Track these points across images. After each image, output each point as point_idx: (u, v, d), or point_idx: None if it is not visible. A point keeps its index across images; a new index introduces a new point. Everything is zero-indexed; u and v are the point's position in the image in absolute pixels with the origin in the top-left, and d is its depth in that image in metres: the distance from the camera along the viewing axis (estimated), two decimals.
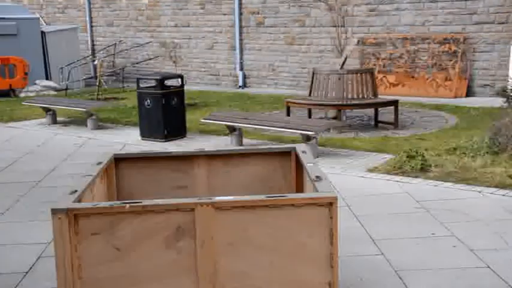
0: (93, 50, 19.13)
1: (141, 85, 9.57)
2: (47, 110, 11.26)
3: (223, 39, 16.35)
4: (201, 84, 16.64)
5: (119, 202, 3.17)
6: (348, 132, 9.49)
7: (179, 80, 9.69)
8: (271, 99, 13.37)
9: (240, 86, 15.95)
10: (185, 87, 9.96)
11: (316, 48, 14.67)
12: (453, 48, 12.72)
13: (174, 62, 14.32)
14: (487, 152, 7.21)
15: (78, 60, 17.02)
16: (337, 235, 3.13)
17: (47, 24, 19.37)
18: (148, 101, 9.36)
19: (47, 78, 16.47)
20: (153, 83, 9.45)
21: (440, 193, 6.15)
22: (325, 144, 8.54)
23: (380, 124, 9.98)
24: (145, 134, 9.48)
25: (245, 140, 8.81)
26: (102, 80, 14.81)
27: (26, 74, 15.39)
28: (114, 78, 17.24)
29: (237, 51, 16.01)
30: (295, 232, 3.12)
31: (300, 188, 4.12)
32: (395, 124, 9.67)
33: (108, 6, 18.74)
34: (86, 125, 10.66)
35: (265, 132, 9.24)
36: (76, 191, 3.33)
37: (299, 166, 4.11)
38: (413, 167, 6.93)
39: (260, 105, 12.60)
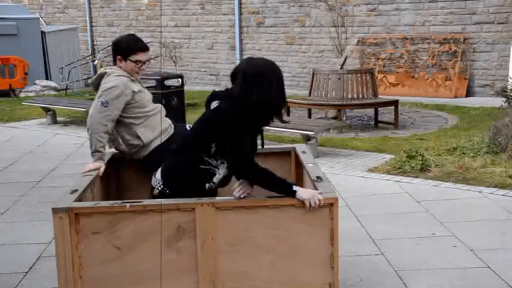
0: (93, 50, 19.12)
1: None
2: (47, 110, 11.25)
3: (223, 39, 16.34)
4: (201, 84, 16.63)
5: (119, 201, 3.18)
6: (348, 132, 9.48)
7: (179, 80, 9.68)
8: None
9: None
10: (185, 87, 9.94)
11: (316, 48, 14.66)
12: (453, 48, 12.72)
13: (174, 62, 14.31)
14: (487, 152, 7.20)
15: (78, 60, 17.01)
16: (337, 236, 3.13)
17: (47, 24, 19.36)
18: None
19: (47, 78, 16.46)
20: (153, 83, 9.43)
21: (440, 193, 6.14)
22: (325, 144, 8.53)
23: (380, 124, 9.98)
24: None
25: None
26: None
27: (26, 74, 15.37)
28: None
29: (237, 51, 16.00)
30: (295, 233, 3.12)
31: None
32: (395, 124, 9.67)
33: (108, 6, 18.74)
34: (86, 125, 10.64)
35: (265, 132, 9.22)
36: (76, 190, 3.33)
37: (299, 166, 4.11)
38: (413, 167, 6.93)
39: None
